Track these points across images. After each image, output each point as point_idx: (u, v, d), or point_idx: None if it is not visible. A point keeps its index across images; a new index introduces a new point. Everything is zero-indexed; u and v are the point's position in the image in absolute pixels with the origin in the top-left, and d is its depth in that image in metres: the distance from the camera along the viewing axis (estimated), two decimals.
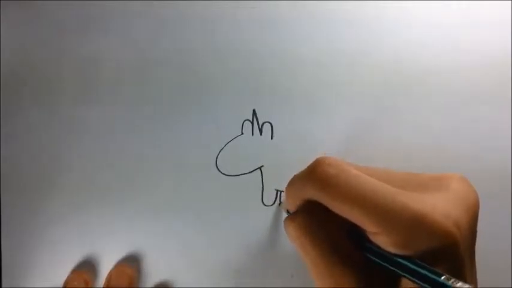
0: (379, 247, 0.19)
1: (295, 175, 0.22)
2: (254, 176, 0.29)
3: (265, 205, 0.29)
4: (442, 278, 0.16)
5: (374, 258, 0.19)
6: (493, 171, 0.29)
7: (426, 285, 0.17)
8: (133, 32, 0.29)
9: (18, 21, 0.28)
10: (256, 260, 0.29)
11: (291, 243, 0.22)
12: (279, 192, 0.29)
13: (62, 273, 0.28)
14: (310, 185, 0.20)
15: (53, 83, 0.28)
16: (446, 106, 0.29)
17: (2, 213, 0.28)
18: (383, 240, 0.18)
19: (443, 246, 0.17)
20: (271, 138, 0.29)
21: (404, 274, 0.18)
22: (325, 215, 0.20)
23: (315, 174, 0.20)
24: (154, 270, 0.28)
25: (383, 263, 0.19)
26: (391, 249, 0.18)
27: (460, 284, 0.16)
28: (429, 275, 0.17)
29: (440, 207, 0.18)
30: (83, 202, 0.28)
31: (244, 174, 0.29)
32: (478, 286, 0.20)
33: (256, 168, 0.29)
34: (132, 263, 0.28)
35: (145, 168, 0.29)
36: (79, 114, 0.28)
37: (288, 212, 0.26)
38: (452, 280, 0.16)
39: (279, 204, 0.29)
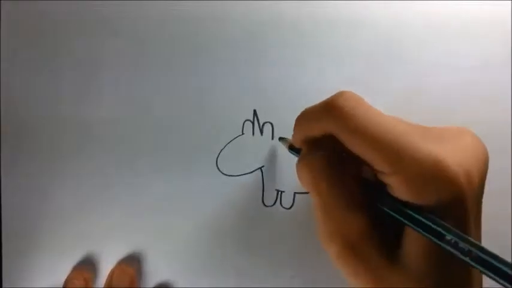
0: (390, 196, 0.19)
1: (308, 107, 0.21)
2: (255, 176, 0.29)
3: (266, 205, 0.29)
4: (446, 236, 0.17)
5: (384, 209, 0.19)
6: (493, 172, 0.29)
7: (429, 236, 0.17)
8: (133, 32, 0.29)
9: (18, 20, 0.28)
10: (256, 260, 0.29)
11: (303, 187, 0.21)
12: (279, 193, 0.29)
13: (62, 272, 0.28)
14: (328, 115, 0.20)
15: (52, 82, 0.28)
16: (445, 106, 0.30)
17: (2, 213, 0.28)
18: (393, 181, 0.18)
19: (452, 193, 0.17)
20: (272, 138, 0.29)
21: (410, 224, 0.18)
22: (340, 159, 0.20)
23: (334, 104, 0.19)
24: (154, 270, 0.28)
25: (393, 214, 0.19)
26: (401, 194, 0.18)
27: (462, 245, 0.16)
28: (435, 227, 0.17)
29: (453, 155, 0.18)
30: (84, 202, 0.28)
31: (244, 174, 0.29)
32: (480, 286, 0.20)
33: (257, 169, 0.29)
34: (132, 263, 0.28)
35: (146, 168, 0.29)
36: (79, 116, 0.28)
37: (290, 148, 0.26)
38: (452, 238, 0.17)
39: (280, 139, 0.28)
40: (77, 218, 0.28)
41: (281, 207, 0.29)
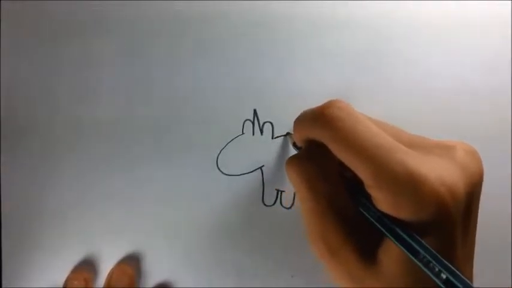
0: (373, 205, 0.19)
1: (305, 110, 0.22)
2: (255, 176, 0.29)
3: (266, 205, 0.29)
4: (418, 257, 0.17)
5: (367, 215, 0.19)
6: (494, 172, 0.29)
7: (405, 250, 0.17)
8: (133, 32, 0.29)
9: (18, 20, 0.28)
10: (256, 260, 0.29)
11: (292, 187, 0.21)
12: (279, 192, 0.29)
13: (62, 273, 0.28)
14: (317, 124, 0.20)
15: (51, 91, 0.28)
16: (446, 106, 0.30)
17: (2, 213, 0.28)
18: (375, 194, 0.18)
19: (433, 209, 0.17)
20: (272, 138, 0.29)
21: (388, 235, 0.18)
22: (328, 162, 0.20)
23: (324, 114, 0.20)
24: (154, 270, 0.28)
25: (375, 223, 0.19)
26: (381, 206, 0.18)
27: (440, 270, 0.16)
28: (411, 242, 0.17)
29: (437, 171, 0.18)
30: (83, 202, 0.28)
31: (244, 174, 0.29)
32: (478, 286, 0.20)
33: (257, 168, 0.29)
34: (132, 263, 0.28)
35: (146, 169, 0.29)
36: (78, 116, 0.28)
37: (294, 144, 0.26)
38: (430, 261, 0.17)
39: (286, 134, 0.29)
40: (77, 218, 0.28)
41: (281, 207, 0.29)
